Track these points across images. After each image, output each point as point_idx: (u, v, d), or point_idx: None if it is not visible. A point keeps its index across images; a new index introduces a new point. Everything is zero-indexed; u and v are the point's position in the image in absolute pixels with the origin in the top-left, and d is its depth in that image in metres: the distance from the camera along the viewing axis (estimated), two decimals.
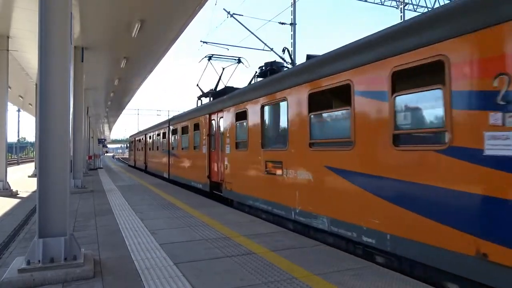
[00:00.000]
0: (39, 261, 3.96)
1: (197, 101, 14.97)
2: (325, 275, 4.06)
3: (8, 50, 11.89)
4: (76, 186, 12.53)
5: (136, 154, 32.38)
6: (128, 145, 45.90)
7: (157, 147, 20.88)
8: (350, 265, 4.40)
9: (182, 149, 15.15)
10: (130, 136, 40.67)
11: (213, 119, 11.36)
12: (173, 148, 16.90)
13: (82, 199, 10.55)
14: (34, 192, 12.15)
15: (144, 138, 26.52)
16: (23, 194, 12.15)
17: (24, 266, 3.86)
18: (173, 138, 17.09)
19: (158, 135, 20.51)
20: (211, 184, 11.52)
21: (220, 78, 14.40)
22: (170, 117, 18.88)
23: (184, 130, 14.86)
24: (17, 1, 9.42)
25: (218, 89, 13.86)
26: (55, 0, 4.27)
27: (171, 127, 17.44)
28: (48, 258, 3.99)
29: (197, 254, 4.91)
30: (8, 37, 11.78)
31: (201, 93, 14.89)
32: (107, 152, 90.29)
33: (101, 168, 29.10)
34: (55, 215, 4.14)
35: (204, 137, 12.15)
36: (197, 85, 15.41)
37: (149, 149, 23.86)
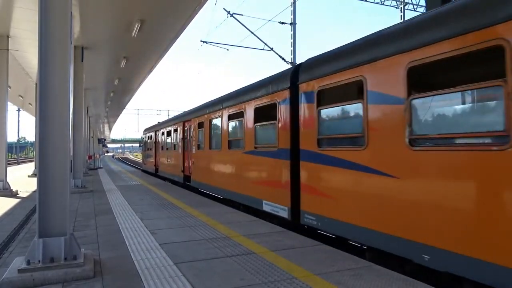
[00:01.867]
0: (39, 261, 3.96)
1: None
2: (325, 275, 4.06)
3: (8, 49, 11.91)
4: (76, 186, 12.53)
5: (159, 156, 21.27)
6: (142, 143, 29.98)
7: (230, 142, 10.17)
8: (350, 265, 4.40)
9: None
10: (146, 130, 27.54)
11: None
12: (266, 147, 7.98)
13: (82, 199, 10.55)
14: (34, 192, 12.15)
15: (181, 129, 16.00)
16: (23, 194, 12.16)
17: (24, 266, 3.86)
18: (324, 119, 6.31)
19: (233, 117, 9.93)
20: None
21: None
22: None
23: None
24: (17, 1, 9.43)
25: None
26: (55, 0, 4.27)
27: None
28: (48, 258, 3.99)
29: (197, 254, 4.92)
30: (8, 37, 11.81)
31: None
32: (107, 152, 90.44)
33: (101, 168, 29.11)
34: (55, 215, 4.14)
35: None
36: None
37: (199, 147, 13.30)
